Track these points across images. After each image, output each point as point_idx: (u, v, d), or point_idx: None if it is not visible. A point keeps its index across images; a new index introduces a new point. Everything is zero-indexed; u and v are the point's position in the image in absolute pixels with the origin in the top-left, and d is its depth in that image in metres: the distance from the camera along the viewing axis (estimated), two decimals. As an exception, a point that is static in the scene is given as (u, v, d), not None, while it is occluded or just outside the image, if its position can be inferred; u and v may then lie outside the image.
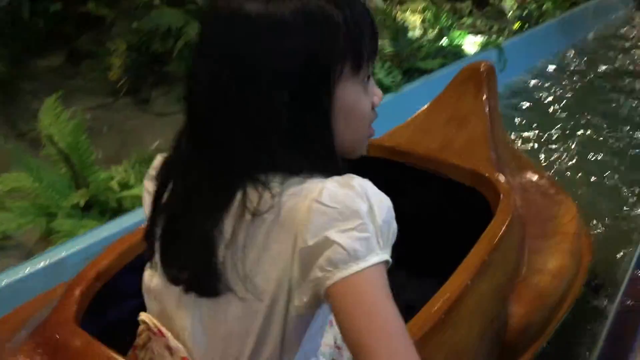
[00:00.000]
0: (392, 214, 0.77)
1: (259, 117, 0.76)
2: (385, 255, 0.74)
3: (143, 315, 0.95)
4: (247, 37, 0.76)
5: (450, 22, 3.66)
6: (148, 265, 0.94)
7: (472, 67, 1.85)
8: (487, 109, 1.77)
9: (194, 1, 4.64)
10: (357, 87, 0.82)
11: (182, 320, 0.88)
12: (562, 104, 3.92)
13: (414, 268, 1.18)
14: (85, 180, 1.94)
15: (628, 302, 1.40)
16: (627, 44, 5.68)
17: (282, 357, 0.84)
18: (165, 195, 0.86)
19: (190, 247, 0.82)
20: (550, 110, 3.89)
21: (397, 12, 5.54)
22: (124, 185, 1.96)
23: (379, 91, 0.89)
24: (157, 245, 0.89)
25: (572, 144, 3.35)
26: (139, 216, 1.77)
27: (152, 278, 0.93)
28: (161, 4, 4.66)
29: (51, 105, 2.06)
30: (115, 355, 1.01)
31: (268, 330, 0.81)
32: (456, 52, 3.66)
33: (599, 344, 1.44)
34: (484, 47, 3.81)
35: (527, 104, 3.91)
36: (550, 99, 4.05)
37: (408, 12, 5.57)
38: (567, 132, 3.54)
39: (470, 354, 1.11)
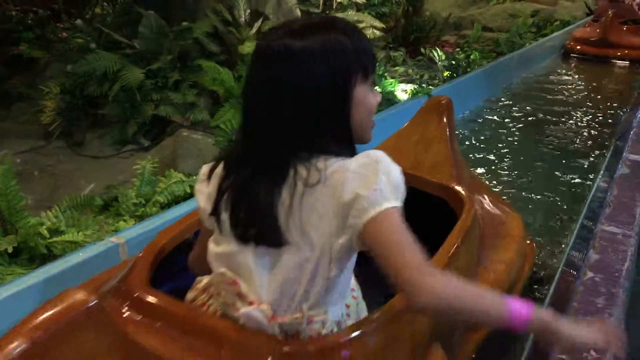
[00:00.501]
0: (401, 177, 1.10)
1: (302, 117, 1.10)
2: (398, 203, 1.07)
3: (222, 270, 1.22)
4: (289, 62, 1.09)
5: (382, 71, 3.80)
6: (212, 239, 1.26)
7: (435, 100, 2.31)
8: (448, 134, 2.20)
9: (131, 46, 4.64)
10: (366, 89, 1.15)
11: (250, 271, 1.17)
12: (487, 145, 4.15)
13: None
14: (13, 226, 1.89)
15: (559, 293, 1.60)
16: (551, 89, 6.11)
17: (326, 295, 1.16)
18: (226, 183, 1.18)
19: (257, 212, 1.12)
20: (479, 149, 4.12)
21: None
22: (55, 231, 1.92)
23: (379, 94, 1.22)
24: (224, 217, 1.18)
25: (503, 172, 3.68)
26: (71, 262, 1.74)
27: (217, 246, 1.24)
28: (97, 47, 4.63)
29: (-21, 150, 2.01)
30: (190, 306, 1.29)
31: (316, 274, 1.13)
32: (389, 99, 3.80)
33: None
34: (415, 94, 3.97)
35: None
36: (476, 140, 4.28)
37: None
38: (495, 164, 3.89)
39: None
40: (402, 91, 4.12)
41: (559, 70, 7.26)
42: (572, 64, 7.66)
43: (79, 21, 4.78)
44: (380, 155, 1.11)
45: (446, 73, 5.17)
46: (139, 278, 1.33)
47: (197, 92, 4.61)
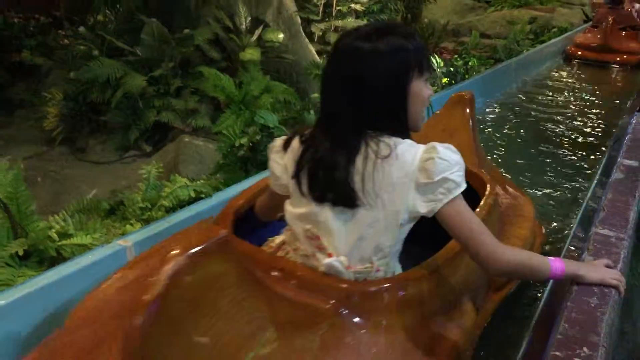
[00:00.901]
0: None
1: (371, 103, 1.36)
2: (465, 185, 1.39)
3: (307, 226, 1.44)
4: (361, 60, 1.35)
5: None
6: (289, 202, 1.50)
7: (459, 95, 2.58)
8: (470, 124, 2.47)
9: (133, 53, 4.71)
10: (421, 83, 1.40)
11: (329, 228, 1.40)
12: (486, 147, 4.18)
13: (426, 243, 1.69)
14: (23, 229, 1.94)
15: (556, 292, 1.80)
16: (551, 92, 6.19)
17: (390, 250, 1.44)
18: (307, 156, 1.41)
19: (335, 179, 1.35)
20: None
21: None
22: (64, 235, 1.97)
23: (431, 88, 1.47)
24: (304, 181, 1.42)
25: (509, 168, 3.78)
26: (80, 264, 1.79)
27: (296, 208, 1.47)
28: (100, 54, 4.69)
29: (-11, 156, 2.06)
30: (277, 255, 1.53)
31: (385, 232, 1.39)
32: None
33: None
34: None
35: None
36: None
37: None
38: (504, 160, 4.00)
39: (477, 275, 1.76)
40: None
41: (559, 74, 7.36)
42: (573, 69, 7.75)
43: (82, 28, 4.84)
44: (454, 149, 1.40)
45: (445, 80, 5.23)
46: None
47: (198, 98, 4.67)
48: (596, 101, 5.91)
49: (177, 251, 1.15)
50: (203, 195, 2.36)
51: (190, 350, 1.18)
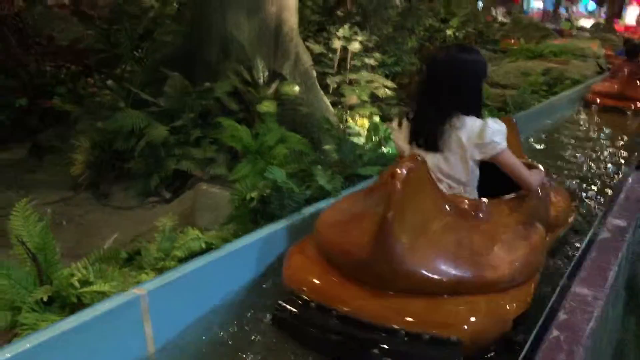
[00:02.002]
0: (506, 133, 2.37)
1: (462, 93, 2.35)
2: (505, 144, 2.37)
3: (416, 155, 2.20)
4: (457, 66, 2.36)
5: (388, 134, 4.05)
6: (408, 147, 2.50)
7: (507, 118, 3.39)
8: (516, 137, 3.28)
9: (156, 104, 4.99)
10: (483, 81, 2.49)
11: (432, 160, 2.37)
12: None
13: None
14: (49, 277, 2.13)
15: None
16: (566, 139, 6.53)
17: (467, 185, 2.42)
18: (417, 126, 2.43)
19: (429, 133, 2.36)
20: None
21: (346, 116, 6.04)
22: (84, 282, 2.16)
23: None
24: (415, 137, 2.43)
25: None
26: (98, 310, 1.96)
27: (412, 151, 2.42)
28: (126, 105, 4.99)
29: (21, 208, 2.28)
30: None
31: (465, 166, 2.36)
32: (395, 158, 4.03)
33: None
34: (421, 154, 4.21)
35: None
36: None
37: (357, 117, 6.06)
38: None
39: (542, 211, 2.69)
40: (409, 151, 4.36)
41: (578, 118, 7.84)
42: (592, 114, 8.21)
43: (110, 82, 5.14)
44: (501, 123, 2.37)
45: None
46: None
47: (216, 148, 4.90)
48: (612, 143, 6.37)
49: (406, 167, 1.99)
50: (213, 247, 2.55)
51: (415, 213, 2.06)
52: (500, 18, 19.33)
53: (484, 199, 2.39)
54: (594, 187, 4.61)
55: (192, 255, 2.48)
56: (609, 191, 4.53)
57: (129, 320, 2.03)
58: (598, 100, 8.37)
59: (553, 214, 2.91)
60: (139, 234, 4.52)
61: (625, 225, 2.65)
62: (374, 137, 3.99)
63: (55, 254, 2.22)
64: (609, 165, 5.37)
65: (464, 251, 2.09)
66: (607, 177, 5.03)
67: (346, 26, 6.14)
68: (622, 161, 5.48)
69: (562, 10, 29.99)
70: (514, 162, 2.40)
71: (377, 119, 5.21)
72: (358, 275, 2.11)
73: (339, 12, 6.93)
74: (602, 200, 4.22)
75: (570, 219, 3.29)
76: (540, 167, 2.91)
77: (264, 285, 2.67)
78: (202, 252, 2.48)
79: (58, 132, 5.97)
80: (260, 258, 2.68)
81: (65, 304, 2.11)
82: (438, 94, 2.34)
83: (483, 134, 2.29)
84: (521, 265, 2.20)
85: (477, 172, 2.42)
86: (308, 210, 3.02)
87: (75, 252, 4.32)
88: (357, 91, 5.92)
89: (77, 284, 2.14)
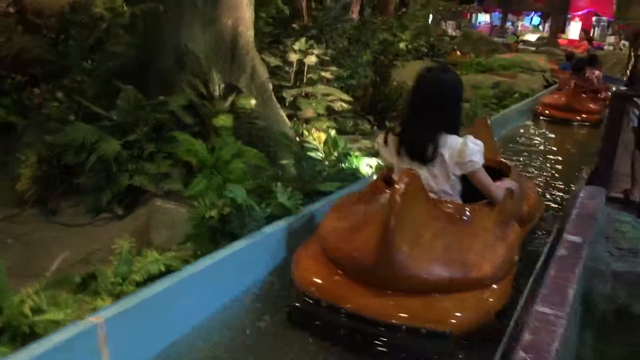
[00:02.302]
0: (483, 152, 2.70)
1: (443, 110, 2.65)
2: (482, 163, 2.69)
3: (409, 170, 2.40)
4: (441, 86, 2.65)
5: (347, 150, 4.05)
6: (395, 168, 2.84)
7: (481, 120, 4.33)
8: (490, 137, 3.87)
9: (109, 117, 4.84)
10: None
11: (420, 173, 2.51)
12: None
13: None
14: (-2, 306, 2.02)
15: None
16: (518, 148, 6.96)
17: (452, 196, 2.74)
18: (405, 139, 2.73)
19: (416, 149, 2.66)
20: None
21: (302, 130, 6.01)
22: (37, 310, 2.05)
23: None
24: (404, 154, 2.72)
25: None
26: (53, 341, 1.86)
27: (399, 164, 2.77)
28: (76, 119, 4.82)
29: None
30: None
31: (448, 179, 2.68)
32: (354, 174, 4.03)
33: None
34: (379, 169, 4.22)
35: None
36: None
37: (314, 130, 6.04)
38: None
39: (514, 212, 3.01)
40: (367, 165, 4.37)
41: (529, 130, 8.30)
42: (541, 125, 8.76)
43: (59, 94, 4.96)
44: (479, 143, 2.66)
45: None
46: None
47: (171, 162, 4.79)
48: (560, 152, 6.93)
49: (404, 182, 2.26)
50: (173, 269, 2.47)
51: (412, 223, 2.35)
52: (450, 32, 19.76)
53: (467, 205, 2.71)
54: (547, 195, 4.94)
55: (151, 278, 2.40)
56: (560, 197, 4.94)
57: (85, 351, 1.94)
58: (547, 112, 8.93)
59: (526, 210, 3.32)
60: (90, 253, 4.36)
61: (580, 241, 2.71)
62: (333, 153, 3.98)
63: (4, 280, 2.10)
64: (560, 173, 5.83)
65: (452, 254, 2.43)
66: (559, 183, 5.44)
67: (303, 39, 6.13)
68: (566, 170, 5.95)
69: (508, 24, 30.94)
70: (485, 180, 2.74)
71: (333, 132, 5.20)
72: (362, 277, 2.45)
73: (294, 25, 6.92)
74: (555, 206, 4.41)
75: (540, 212, 3.80)
76: (511, 165, 3.65)
77: (228, 309, 2.62)
78: (162, 274, 2.40)
79: (3, 145, 5.73)
80: (224, 279, 2.62)
81: (16, 334, 2.00)
82: (425, 112, 2.63)
83: (463, 153, 2.60)
84: (501, 263, 2.55)
85: (459, 184, 2.75)
86: (269, 229, 2.98)
87: (23, 272, 4.12)
88: (313, 104, 5.91)
89: (29, 313, 2.04)
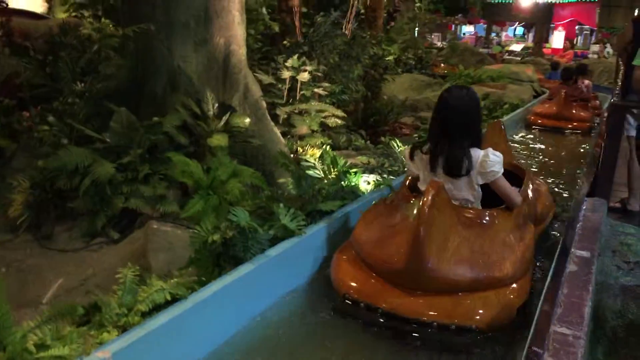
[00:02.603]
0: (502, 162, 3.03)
1: (470, 128, 3.00)
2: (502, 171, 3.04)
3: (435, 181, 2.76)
4: (464, 105, 2.97)
5: (347, 167, 4.02)
6: (421, 180, 3.18)
7: (497, 122, 4.53)
8: (504, 139, 4.32)
9: (102, 140, 4.78)
10: None
11: (448, 190, 2.92)
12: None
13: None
14: (2, 343, 1.95)
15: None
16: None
17: (474, 204, 3.06)
18: (435, 154, 3.02)
19: (455, 164, 2.94)
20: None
21: (297, 147, 5.98)
22: (40, 346, 1.99)
23: None
24: (436, 165, 3.01)
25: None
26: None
27: (424, 177, 3.12)
28: (69, 142, 4.75)
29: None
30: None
31: (472, 189, 3.01)
32: (353, 191, 3.99)
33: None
34: (378, 185, 4.19)
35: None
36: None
37: (308, 147, 6.01)
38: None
39: (529, 214, 3.31)
40: (365, 182, 4.33)
41: (522, 138, 8.50)
42: (534, 134, 8.97)
43: (51, 118, 4.90)
44: (499, 154, 2.95)
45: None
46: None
47: (166, 184, 4.73)
48: (554, 158, 7.27)
49: (431, 194, 2.56)
50: (178, 297, 2.41)
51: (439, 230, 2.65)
52: (437, 43, 19.90)
53: (486, 211, 2.99)
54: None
55: (157, 307, 2.34)
56: (559, 197, 5.19)
57: (94, 388, 1.88)
58: (539, 121, 9.17)
59: (539, 210, 3.65)
60: (86, 278, 4.27)
61: (589, 256, 2.69)
62: (333, 171, 3.95)
63: (7, 315, 2.03)
64: (556, 177, 6.15)
65: (476, 257, 2.71)
66: (560, 186, 5.73)
67: (295, 56, 6.11)
68: (562, 174, 6.32)
69: (492, 35, 31.24)
70: (505, 187, 3.06)
71: (329, 149, 5.17)
72: (395, 279, 2.76)
73: (285, 42, 6.90)
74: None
75: (552, 212, 4.14)
76: (525, 169, 3.90)
77: (239, 336, 2.56)
78: (168, 304, 2.34)
79: (-9, 170, 5.62)
80: (231, 306, 2.57)
81: (20, 372, 1.93)
82: (453, 130, 2.92)
83: (485, 164, 2.92)
84: (520, 263, 2.84)
85: (480, 192, 3.04)
86: (273, 252, 2.93)
87: (18, 301, 4.04)
88: (307, 121, 5.88)
89: (33, 349, 1.97)
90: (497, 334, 2.66)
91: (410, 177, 3.29)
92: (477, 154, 2.94)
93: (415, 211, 2.74)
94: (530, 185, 3.49)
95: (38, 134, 5.27)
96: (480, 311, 2.64)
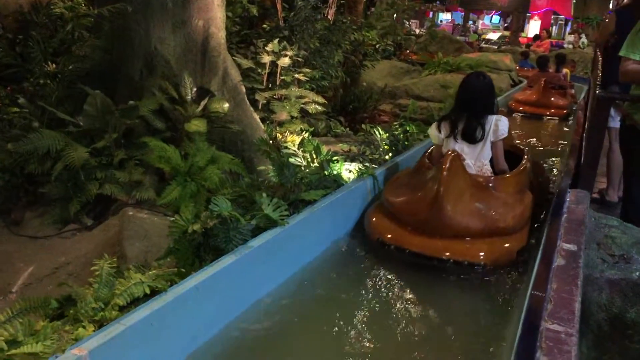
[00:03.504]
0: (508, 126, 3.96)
1: (486, 100, 3.87)
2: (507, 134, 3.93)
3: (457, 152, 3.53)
4: (481, 86, 3.87)
5: (330, 156, 3.94)
6: (443, 147, 3.95)
7: (500, 111, 4.45)
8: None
9: (75, 123, 4.62)
10: None
11: (465, 151, 3.82)
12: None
13: None
14: (-31, 339, 1.84)
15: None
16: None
17: (486, 163, 3.87)
18: (456, 125, 3.89)
19: (465, 130, 3.83)
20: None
21: (276, 133, 5.88)
22: (12, 342, 1.88)
23: None
24: (456, 132, 3.87)
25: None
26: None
27: (447, 144, 3.91)
28: (40, 125, 4.58)
29: None
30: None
31: (486, 150, 3.85)
32: (336, 180, 3.92)
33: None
34: (361, 174, 4.12)
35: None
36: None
37: (287, 134, 5.91)
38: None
39: (527, 181, 4.09)
40: (347, 170, 4.26)
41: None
42: (515, 120, 9.31)
43: (22, 100, 4.71)
44: (506, 120, 3.85)
45: (386, 147, 5.37)
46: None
47: (142, 170, 4.59)
48: (536, 142, 7.65)
49: (447, 159, 3.29)
50: (157, 290, 2.32)
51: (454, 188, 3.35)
52: (416, 30, 19.85)
53: (493, 177, 3.75)
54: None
55: (135, 301, 2.24)
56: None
57: (69, 388, 1.78)
58: (521, 108, 9.57)
59: (536, 181, 4.35)
60: (58, 267, 4.13)
61: (576, 249, 2.66)
62: (315, 160, 3.86)
63: (-24, 311, 1.92)
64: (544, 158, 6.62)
65: (483, 211, 3.43)
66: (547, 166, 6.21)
67: (276, 41, 5.98)
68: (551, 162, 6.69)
69: (470, 23, 31.28)
70: (500, 151, 3.89)
71: (310, 136, 5.09)
72: (419, 227, 3.48)
73: (265, 26, 6.76)
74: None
75: (546, 184, 4.84)
76: (524, 148, 4.52)
77: (219, 330, 2.48)
78: (147, 297, 2.25)
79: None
80: (213, 300, 2.48)
81: (-10, 370, 1.82)
82: (472, 104, 3.81)
83: (498, 126, 3.78)
84: (520, 218, 3.57)
85: (490, 153, 3.85)
86: (255, 242, 2.84)
87: (-14, 290, 3.90)
88: (287, 107, 5.77)
89: (4, 345, 1.86)
90: (500, 269, 3.40)
91: (429, 151, 4.15)
92: (492, 117, 3.80)
93: (435, 175, 3.40)
94: (528, 162, 4.15)
95: (8, 116, 5.09)
96: (487, 252, 3.36)
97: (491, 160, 3.91)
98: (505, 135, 3.80)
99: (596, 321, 2.76)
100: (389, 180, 4.08)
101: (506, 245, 3.45)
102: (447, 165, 3.25)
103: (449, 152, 3.34)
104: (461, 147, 3.79)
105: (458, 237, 3.40)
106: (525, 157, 4.23)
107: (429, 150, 4.17)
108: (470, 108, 3.79)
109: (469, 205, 3.37)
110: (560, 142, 7.78)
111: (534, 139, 7.76)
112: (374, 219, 3.71)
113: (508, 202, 3.55)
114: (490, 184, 3.64)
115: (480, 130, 3.74)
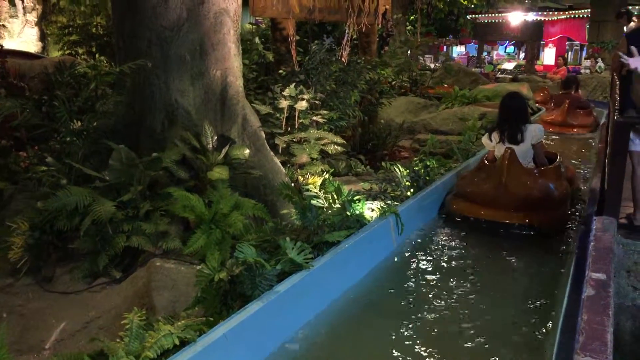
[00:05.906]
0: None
1: (520, 112, 5.44)
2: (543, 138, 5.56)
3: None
4: (516, 103, 5.48)
5: (352, 197, 3.96)
6: (493, 150, 5.49)
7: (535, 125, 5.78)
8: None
9: (101, 178, 4.73)
10: None
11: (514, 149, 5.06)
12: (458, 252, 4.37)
13: None
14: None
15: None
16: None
17: (529, 162, 5.30)
18: (503, 133, 5.37)
19: (511, 136, 5.28)
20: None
21: (297, 176, 5.93)
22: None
23: None
24: (503, 138, 5.33)
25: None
26: None
27: (499, 148, 5.26)
28: (68, 182, 4.70)
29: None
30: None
31: (529, 153, 5.30)
32: (358, 220, 3.93)
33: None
34: (383, 213, 4.13)
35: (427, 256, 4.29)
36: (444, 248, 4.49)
37: (308, 176, 5.96)
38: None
39: (563, 173, 5.65)
40: (369, 209, 4.28)
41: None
42: (547, 138, 9.72)
43: (49, 159, 4.85)
44: (542, 127, 5.48)
45: (407, 183, 5.38)
46: None
47: (168, 220, 4.67)
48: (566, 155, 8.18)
49: (507, 155, 4.82)
50: (187, 340, 2.34)
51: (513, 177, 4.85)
52: (430, 65, 20.04)
53: (540, 167, 5.14)
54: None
55: (165, 352, 2.26)
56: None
57: None
58: (550, 129, 10.40)
59: (569, 175, 5.68)
60: (89, 321, 4.18)
61: (605, 278, 2.62)
62: (337, 200, 3.89)
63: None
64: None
65: (536, 191, 4.79)
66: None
67: (292, 85, 6.10)
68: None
69: (484, 54, 31.48)
70: (540, 150, 5.29)
71: (331, 177, 5.13)
72: (489, 203, 4.89)
73: (281, 71, 6.90)
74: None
75: (577, 179, 6.15)
76: (557, 153, 5.77)
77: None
78: (176, 349, 2.26)
79: (-10, 212, 5.55)
80: (242, 347, 2.49)
81: None
82: (513, 117, 5.24)
83: (535, 132, 5.19)
84: (561, 196, 4.98)
85: (532, 153, 5.20)
86: (281, 287, 2.86)
87: (20, 347, 3.95)
88: (307, 149, 5.84)
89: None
90: (550, 230, 4.80)
91: (485, 156, 5.58)
92: (530, 126, 5.27)
93: (499, 164, 4.81)
94: (562, 161, 5.56)
95: (36, 175, 5.23)
96: (542, 218, 4.75)
97: (534, 160, 5.24)
98: (543, 138, 5.28)
99: (632, 351, 2.71)
100: (459, 177, 5.63)
101: (554, 214, 4.84)
102: (506, 158, 4.69)
103: (507, 149, 4.75)
104: (510, 148, 4.94)
105: (519, 208, 4.74)
106: (559, 157, 5.60)
107: (485, 156, 5.66)
108: (510, 119, 5.21)
109: (523, 187, 4.73)
110: (584, 153, 9.05)
111: (565, 149, 8.98)
112: (454, 205, 5.20)
113: (549, 184, 4.89)
114: (536, 172, 5.01)
115: (520, 134, 5.12)
